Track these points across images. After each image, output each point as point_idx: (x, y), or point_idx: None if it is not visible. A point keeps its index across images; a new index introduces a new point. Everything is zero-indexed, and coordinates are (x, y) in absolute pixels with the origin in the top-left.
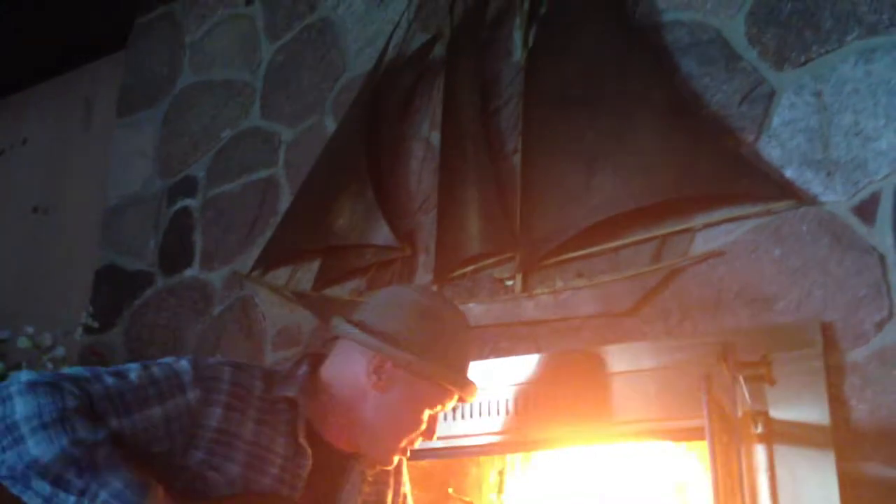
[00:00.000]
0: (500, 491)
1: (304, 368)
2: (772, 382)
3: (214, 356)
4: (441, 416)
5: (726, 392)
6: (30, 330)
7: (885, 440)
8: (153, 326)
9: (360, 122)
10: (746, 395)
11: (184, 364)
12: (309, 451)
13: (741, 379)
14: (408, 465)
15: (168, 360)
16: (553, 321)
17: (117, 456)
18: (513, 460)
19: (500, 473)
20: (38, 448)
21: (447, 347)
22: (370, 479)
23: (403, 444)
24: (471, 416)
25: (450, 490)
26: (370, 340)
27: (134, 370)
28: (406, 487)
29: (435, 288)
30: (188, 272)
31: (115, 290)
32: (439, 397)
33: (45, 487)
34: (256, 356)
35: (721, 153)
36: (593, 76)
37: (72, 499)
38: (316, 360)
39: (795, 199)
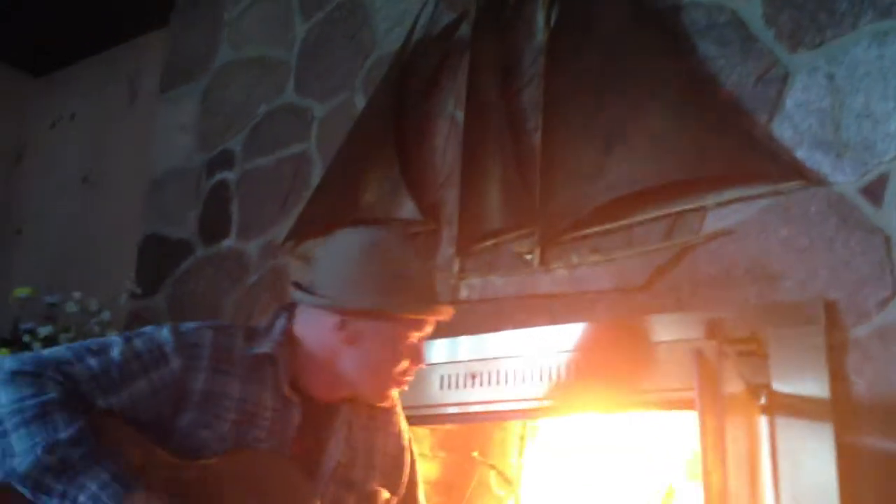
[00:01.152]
0: (520, 454)
1: (281, 322)
2: (764, 357)
3: (197, 321)
4: (465, 384)
5: (718, 366)
6: (77, 295)
7: (883, 414)
8: (193, 294)
9: (388, 99)
10: (741, 371)
11: (165, 334)
12: (296, 402)
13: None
14: (434, 430)
15: (149, 329)
16: (568, 295)
17: (95, 452)
18: (534, 426)
19: (521, 438)
20: (19, 449)
21: (400, 278)
22: (361, 426)
23: (396, 377)
24: (498, 383)
25: (474, 454)
26: (324, 302)
27: (116, 345)
28: (402, 427)
29: (457, 261)
30: (226, 242)
31: (158, 258)
32: (411, 328)
33: (26, 492)
34: None
35: (734, 134)
36: (612, 57)
37: (53, 500)
38: (293, 311)
39: (805, 180)
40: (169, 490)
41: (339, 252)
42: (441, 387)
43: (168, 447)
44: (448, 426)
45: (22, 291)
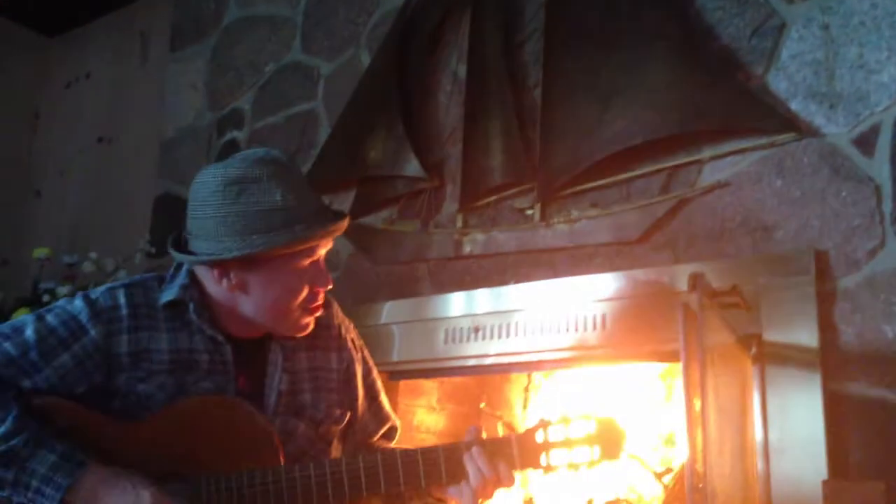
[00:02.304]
0: (525, 406)
1: (185, 266)
2: (747, 309)
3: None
4: (469, 337)
5: (701, 318)
6: (93, 255)
7: (870, 362)
8: None
9: (392, 56)
10: (732, 322)
11: (77, 304)
12: (221, 338)
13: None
14: (441, 382)
15: (61, 303)
16: (568, 248)
17: (36, 437)
18: (539, 378)
19: (526, 390)
20: None
21: (266, 208)
22: (300, 349)
23: (299, 309)
24: (501, 336)
25: (482, 405)
26: (193, 259)
27: (29, 324)
28: (346, 338)
29: (460, 217)
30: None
31: (172, 217)
32: (299, 258)
33: None
34: None
35: (729, 88)
36: (610, 10)
37: (6, 491)
38: None
39: (798, 131)
40: (122, 454)
41: (198, 198)
42: (445, 341)
43: (112, 409)
44: (454, 379)
45: (41, 252)
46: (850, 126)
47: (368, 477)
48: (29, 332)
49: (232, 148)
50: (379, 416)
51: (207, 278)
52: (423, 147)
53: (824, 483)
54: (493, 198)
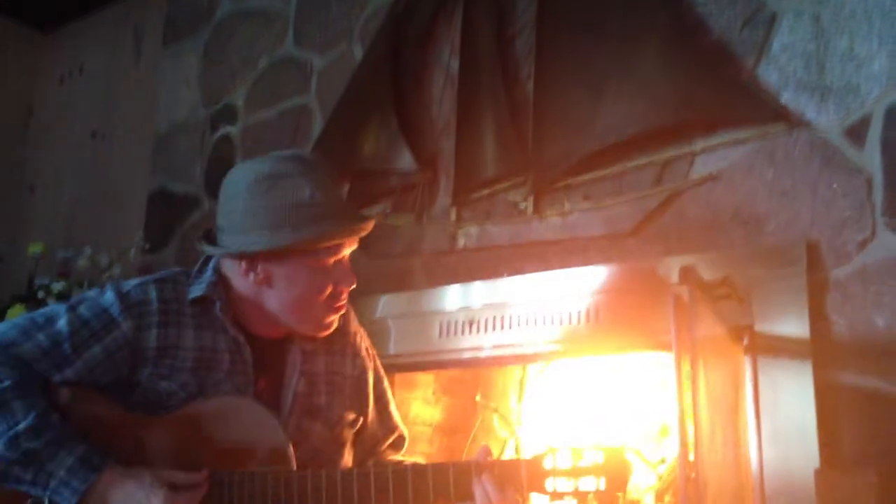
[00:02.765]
0: (520, 398)
1: (212, 262)
2: (739, 300)
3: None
4: (464, 330)
5: (692, 310)
6: (88, 251)
7: (861, 352)
8: None
9: (385, 50)
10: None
11: (109, 297)
12: (242, 338)
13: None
14: (437, 375)
15: (92, 293)
16: (561, 241)
17: (57, 437)
18: (533, 370)
19: (521, 382)
20: None
21: (292, 208)
22: (318, 352)
23: (323, 307)
24: (495, 329)
25: (477, 397)
26: (222, 251)
27: (62, 316)
28: (361, 346)
29: (454, 210)
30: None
31: (166, 212)
32: (325, 256)
33: None
34: None
35: (720, 80)
36: (601, 3)
37: (25, 486)
38: None
39: (789, 123)
40: (139, 451)
41: (229, 192)
42: (440, 334)
43: (131, 403)
44: (449, 372)
45: (35, 248)
46: (840, 117)
47: (378, 487)
48: (62, 324)
49: (226, 143)
50: (388, 425)
51: (234, 272)
52: (416, 141)
53: (816, 472)
54: (486, 191)
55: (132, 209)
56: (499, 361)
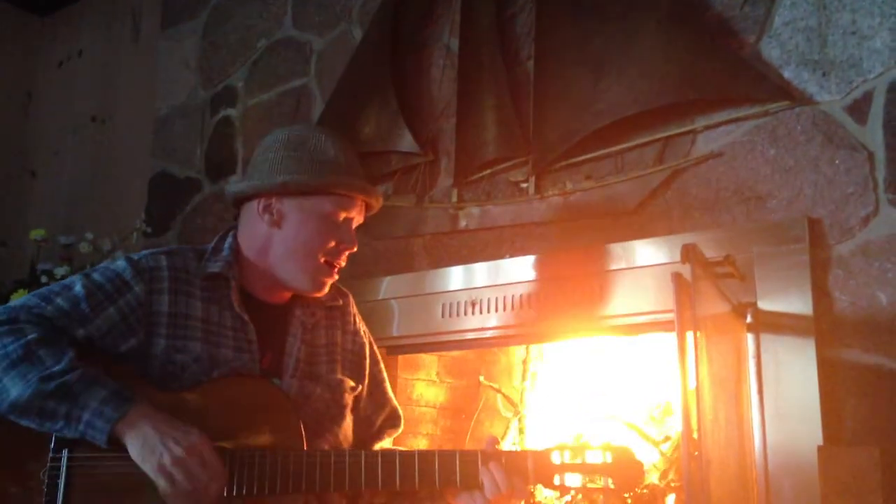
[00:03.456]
0: (523, 378)
1: (228, 240)
2: (741, 278)
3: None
4: (467, 311)
5: (694, 288)
6: (89, 235)
7: (864, 328)
8: (203, 230)
9: (384, 31)
10: (727, 292)
11: (121, 263)
12: (246, 317)
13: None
14: (440, 356)
15: (105, 264)
16: (563, 221)
17: (90, 375)
18: (537, 350)
19: (524, 362)
20: (15, 388)
21: (318, 161)
22: (318, 325)
23: (322, 261)
24: (497, 310)
25: (481, 378)
26: (245, 185)
27: (77, 282)
28: (359, 327)
29: (455, 192)
30: (232, 178)
31: (167, 196)
32: (336, 206)
33: (32, 421)
34: None
35: (722, 57)
36: None
37: (59, 423)
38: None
39: (791, 100)
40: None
41: (261, 148)
42: (443, 315)
43: (150, 374)
44: (453, 353)
45: (37, 233)
46: (843, 93)
47: (385, 470)
48: (78, 288)
49: (226, 125)
50: (381, 400)
51: (250, 218)
52: (416, 122)
53: (819, 449)
54: (487, 171)
55: (133, 193)
56: (502, 342)
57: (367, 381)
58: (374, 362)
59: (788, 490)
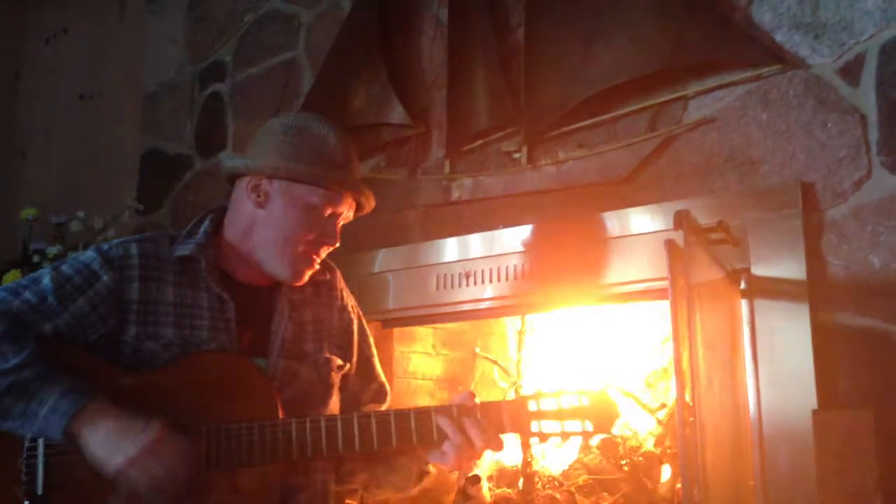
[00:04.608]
0: (519, 348)
1: (205, 224)
2: (734, 244)
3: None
4: (461, 283)
5: (687, 255)
6: (81, 214)
7: (858, 292)
8: (195, 207)
9: (373, 2)
10: (721, 258)
11: (90, 254)
12: (226, 295)
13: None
14: (436, 329)
15: (74, 254)
16: (556, 190)
17: (46, 371)
18: (532, 320)
19: (520, 333)
20: None
21: (313, 151)
22: (305, 302)
23: (301, 250)
24: (492, 281)
25: (476, 349)
26: (239, 162)
27: (45, 275)
28: (347, 303)
29: (447, 163)
30: (223, 154)
31: (159, 173)
32: (323, 199)
33: None
34: None
35: (713, 21)
36: None
37: (17, 422)
38: (220, 212)
39: (783, 63)
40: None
41: (265, 128)
42: (437, 287)
43: (120, 361)
44: (449, 325)
45: (29, 213)
46: (835, 56)
47: (362, 432)
48: (46, 281)
49: (215, 101)
50: (369, 376)
51: (239, 196)
52: (407, 93)
53: (814, 412)
54: (479, 142)
55: (124, 171)
56: (497, 313)
57: (355, 358)
58: (363, 338)
59: (783, 454)
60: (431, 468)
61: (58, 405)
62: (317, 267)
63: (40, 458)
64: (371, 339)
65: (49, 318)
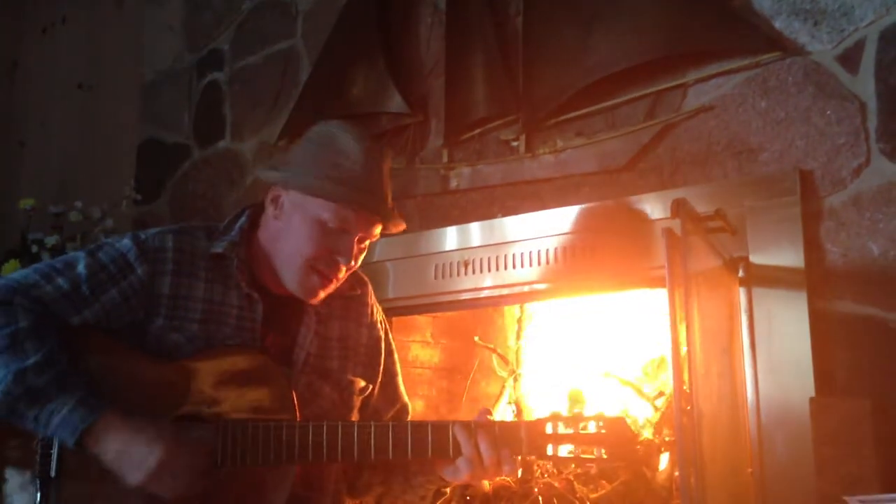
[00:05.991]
0: (518, 337)
1: (242, 220)
2: (732, 233)
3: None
4: (460, 272)
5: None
6: (79, 204)
7: (856, 280)
8: (193, 196)
9: None
10: (719, 246)
11: (126, 243)
12: (256, 296)
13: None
14: (435, 318)
15: (110, 240)
16: (555, 179)
17: (63, 377)
18: (531, 309)
19: (519, 321)
20: None
21: (339, 168)
22: (333, 317)
23: (312, 267)
24: (490, 270)
25: (475, 338)
26: (265, 175)
27: (81, 260)
28: (376, 318)
29: (445, 152)
30: (221, 143)
31: (157, 162)
32: (334, 215)
33: (4, 416)
34: None
35: (712, 8)
36: None
37: (30, 424)
38: (259, 208)
39: (782, 50)
40: (147, 392)
41: (303, 140)
42: (436, 276)
43: (144, 348)
44: (448, 314)
45: (27, 203)
46: (834, 43)
47: (378, 440)
48: (81, 268)
49: (214, 90)
50: (392, 396)
51: (268, 206)
52: (405, 82)
53: (811, 401)
54: (477, 131)
55: (122, 160)
56: (496, 301)
57: (380, 378)
58: (389, 354)
59: (781, 442)
60: (447, 490)
61: (69, 419)
62: (332, 287)
63: (56, 443)
64: (396, 356)
65: (79, 309)
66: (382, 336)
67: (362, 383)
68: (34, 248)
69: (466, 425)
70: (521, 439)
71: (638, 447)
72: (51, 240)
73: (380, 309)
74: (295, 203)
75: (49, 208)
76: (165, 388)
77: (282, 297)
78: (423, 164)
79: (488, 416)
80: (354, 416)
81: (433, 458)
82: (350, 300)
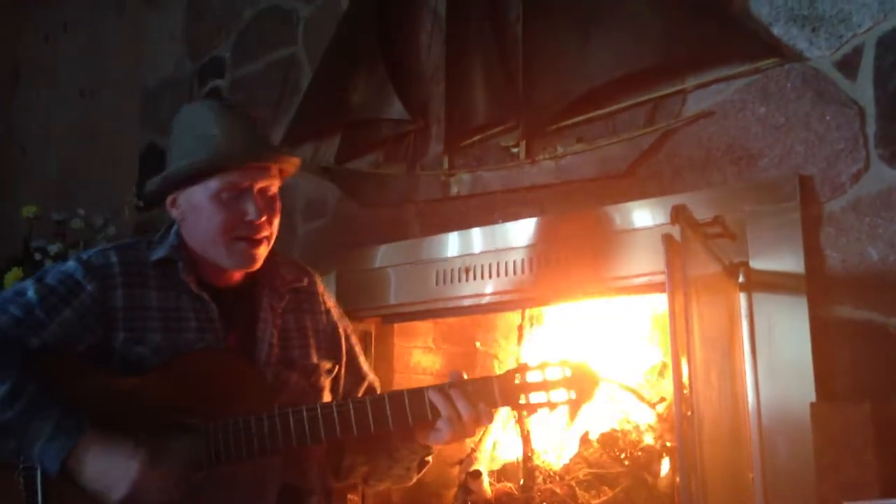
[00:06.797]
0: (519, 342)
1: (175, 227)
2: (732, 238)
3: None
4: (461, 278)
5: (684, 249)
6: (81, 211)
7: (856, 285)
8: None
9: None
10: (719, 252)
11: (71, 264)
12: (206, 296)
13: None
14: (436, 323)
15: (55, 265)
16: (555, 185)
17: (33, 407)
18: (530, 315)
19: (520, 327)
20: None
21: (197, 138)
22: (287, 310)
23: (234, 236)
24: (491, 276)
25: (477, 344)
26: (154, 185)
27: (30, 287)
28: (329, 305)
29: (446, 158)
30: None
31: (158, 169)
32: (221, 182)
33: None
34: (289, 229)
35: (711, 14)
36: None
37: (11, 456)
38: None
39: (781, 56)
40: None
41: (168, 136)
42: (437, 282)
43: (110, 366)
44: (449, 320)
45: (29, 210)
46: (832, 48)
47: (358, 416)
48: (31, 294)
49: (215, 96)
50: (358, 375)
51: (170, 211)
52: (405, 88)
53: (812, 405)
54: (478, 137)
55: (124, 167)
56: (496, 307)
57: (344, 358)
58: (347, 337)
59: (782, 447)
60: (430, 458)
61: (48, 449)
62: (265, 246)
63: (39, 471)
64: (354, 338)
65: (37, 331)
66: (338, 320)
67: (328, 364)
68: (37, 256)
69: (441, 387)
70: (494, 392)
71: (598, 384)
72: (53, 247)
73: (331, 295)
74: (186, 196)
75: (52, 216)
76: (138, 401)
77: (233, 292)
78: (423, 171)
79: (462, 376)
80: (325, 397)
81: (414, 427)
82: (298, 293)
